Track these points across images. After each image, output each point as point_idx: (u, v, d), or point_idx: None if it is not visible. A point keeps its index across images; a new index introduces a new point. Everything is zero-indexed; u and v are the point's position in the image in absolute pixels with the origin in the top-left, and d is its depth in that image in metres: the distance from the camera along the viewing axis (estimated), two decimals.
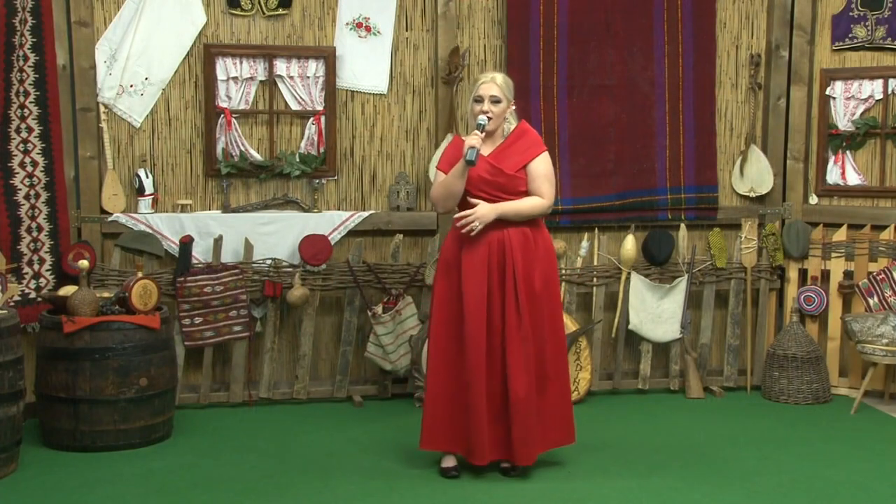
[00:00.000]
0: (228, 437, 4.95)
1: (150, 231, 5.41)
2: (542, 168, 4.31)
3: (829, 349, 5.87)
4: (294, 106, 5.62)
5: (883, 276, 5.64)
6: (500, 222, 4.24)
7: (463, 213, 4.20)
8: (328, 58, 5.58)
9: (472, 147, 4.13)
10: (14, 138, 5.03)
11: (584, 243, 5.83)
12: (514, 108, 4.38)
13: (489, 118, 4.24)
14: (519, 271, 4.23)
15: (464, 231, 4.19)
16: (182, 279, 5.34)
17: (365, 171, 5.75)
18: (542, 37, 5.72)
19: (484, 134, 4.23)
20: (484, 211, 4.19)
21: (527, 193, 4.31)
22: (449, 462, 4.38)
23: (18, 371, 4.35)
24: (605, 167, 5.81)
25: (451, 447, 4.34)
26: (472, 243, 4.24)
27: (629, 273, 5.81)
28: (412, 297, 5.62)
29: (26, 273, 5.10)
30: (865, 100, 5.83)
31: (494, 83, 4.28)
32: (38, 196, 5.14)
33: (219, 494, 4.12)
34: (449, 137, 5.52)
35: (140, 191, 5.43)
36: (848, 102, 5.87)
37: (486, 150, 4.31)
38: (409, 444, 4.68)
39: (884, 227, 5.74)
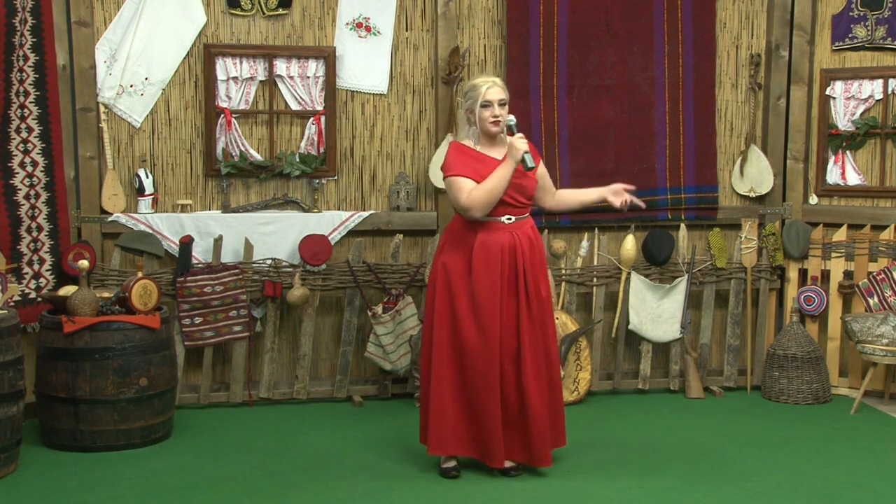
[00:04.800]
0: (228, 437, 4.95)
1: (150, 231, 5.41)
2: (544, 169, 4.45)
3: (829, 349, 5.87)
4: (294, 106, 5.62)
5: (883, 276, 5.64)
6: (510, 228, 4.25)
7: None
8: (328, 58, 5.58)
9: (528, 151, 4.15)
10: (14, 138, 5.04)
11: (584, 243, 5.83)
12: None
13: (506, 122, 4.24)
14: (529, 277, 4.24)
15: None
16: (182, 279, 5.34)
17: (365, 171, 5.75)
18: (542, 37, 5.72)
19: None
20: None
21: (533, 198, 4.37)
22: (449, 462, 4.37)
23: (18, 371, 4.35)
24: (605, 167, 5.81)
25: (461, 451, 4.33)
26: (484, 249, 4.22)
27: (629, 273, 5.81)
28: (412, 297, 5.62)
29: (26, 273, 5.10)
30: (865, 100, 5.83)
31: (497, 86, 4.25)
32: (38, 196, 5.14)
33: (219, 494, 4.12)
34: (449, 138, 5.53)
35: (140, 191, 5.43)
36: (848, 102, 5.87)
37: (498, 154, 4.30)
38: (409, 444, 4.69)
39: (884, 227, 5.75)
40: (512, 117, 4.22)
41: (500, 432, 4.24)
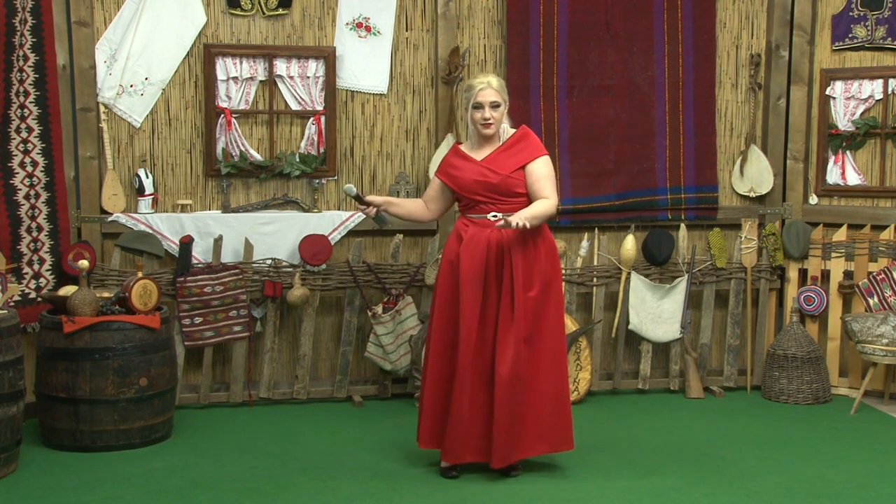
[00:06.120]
0: (228, 437, 4.95)
1: (150, 231, 5.41)
2: (543, 169, 4.25)
3: (829, 349, 5.87)
4: (294, 106, 5.62)
5: (883, 276, 5.64)
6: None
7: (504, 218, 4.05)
8: (328, 58, 5.58)
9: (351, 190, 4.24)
10: (14, 138, 5.04)
11: (584, 243, 5.83)
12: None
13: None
14: (517, 273, 4.20)
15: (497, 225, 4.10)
16: (182, 279, 5.34)
17: (365, 171, 5.75)
18: (542, 37, 5.72)
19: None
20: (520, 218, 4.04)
21: (524, 195, 4.26)
22: None
23: (18, 371, 4.35)
24: (606, 167, 5.81)
25: (473, 458, 4.30)
26: (471, 244, 4.23)
27: (629, 273, 5.81)
28: (412, 297, 5.62)
29: (26, 273, 5.10)
30: (865, 100, 5.83)
31: (491, 87, 4.23)
32: (38, 196, 5.14)
33: (219, 494, 4.12)
34: (450, 138, 5.53)
35: (140, 191, 5.43)
36: (848, 102, 5.88)
37: (482, 154, 4.30)
38: (409, 444, 4.69)
39: (884, 227, 5.75)
40: (351, 188, 4.23)
41: (465, 427, 4.19)
